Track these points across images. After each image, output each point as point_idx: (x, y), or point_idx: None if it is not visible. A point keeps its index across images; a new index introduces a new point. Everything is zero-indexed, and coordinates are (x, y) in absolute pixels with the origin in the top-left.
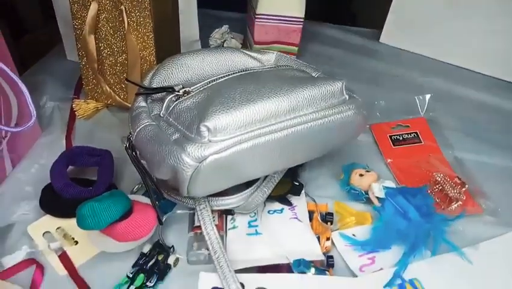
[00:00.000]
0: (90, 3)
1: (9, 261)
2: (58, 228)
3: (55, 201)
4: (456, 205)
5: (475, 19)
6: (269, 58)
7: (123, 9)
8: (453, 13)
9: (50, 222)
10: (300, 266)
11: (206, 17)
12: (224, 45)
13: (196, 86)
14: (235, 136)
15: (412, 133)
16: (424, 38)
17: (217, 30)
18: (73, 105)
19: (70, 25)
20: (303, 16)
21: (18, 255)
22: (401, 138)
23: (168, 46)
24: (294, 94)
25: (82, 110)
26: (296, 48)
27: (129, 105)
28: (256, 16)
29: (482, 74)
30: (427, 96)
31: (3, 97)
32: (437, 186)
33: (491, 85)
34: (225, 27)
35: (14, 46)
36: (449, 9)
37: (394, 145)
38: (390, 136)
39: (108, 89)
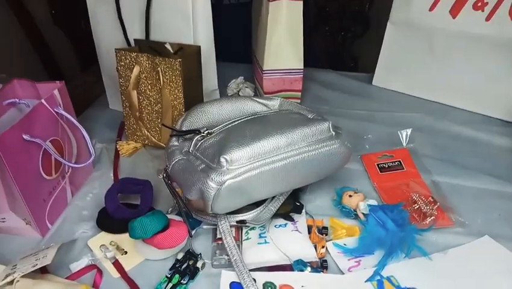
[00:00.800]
0: (134, 65)
1: (76, 266)
2: (111, 242)
3: (109, 221)
4: (430, 219)
5: (451, 62)
6: (274, 104)
7: (160, 70)
8: (432, 58)
9: (105, 237)
10: (299, 265)
11: (221, 68)
12: (240, 93)
13: (216, 128)
14: (246, 165)
15: (396, 161)
16: (409, 80)
17: (233, 80)
18: (117, 146)
19: (113, 81)
20: (302, 67)
21: (82, 262)
22: (386, 166)
23: (193, 96)
24: (291, 132)
25: (125, 149)
26: (299, 94)
27: (163, 145)
28: (264, 72)
29: (458, 109)
30: (409, 130)
31: (67, 140)
32: (414, 204)
33: (466, 118)
34: (240, 79)
35: None
36: (428, 55)
37: (380, 172)
38: (377, 165)
39: (146, 132)
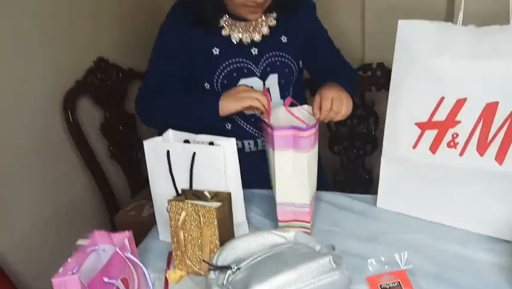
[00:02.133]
0: (181, 211)
1: None
2: None
3: None
4: None
5: (438, 188)
6: (290, 235)
7: (200, 215)
8: (422, 184)
9: None
10: None
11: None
12: None
13: (243, 263)
14: None
15: (395, 282)
16: (406, 203)
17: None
18: (166, 274)
19: (163, 219)
20: (308, 202)
21: None
22: (388, 286)
23: (226, 231)
24: (300, 267)
25: (172, 278)
26: (309, 224)
27: (203, 273)
28: (277, 204)
29: (453, 228)
30: (405, 253)
31: (131, 276)
32: None
33: (463, 237)
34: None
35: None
36: (418, 182)
37: None
38: (380, 286)
39: (189, 262)
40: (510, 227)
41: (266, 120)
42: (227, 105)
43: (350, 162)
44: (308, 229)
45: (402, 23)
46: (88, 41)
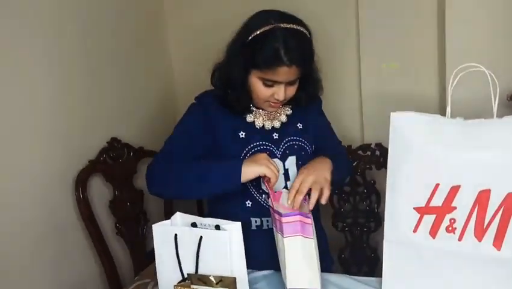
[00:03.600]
0: None
1: None
2: None
3: None
4: None
5: (440, 271)
6: None
7: None
8: (424, 267)
9: None
10: None
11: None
12: None
13: None
14: None
15: None
16: (412, 286)
17: None
18: None
19: None
20: (319, 287)
21: None
22: None
23: None
24: None
25: None
26: None
27: None
28: None
29: None
30: None
31: None
32: None
33: None
34: None
35: None
36: (420, 265)
37: None
38: None
39: None
40: None
41: (271, 204)
42: (249, 170)
43: (354, 239)
44: None
45: (394, 116)
46: (101, 122)
